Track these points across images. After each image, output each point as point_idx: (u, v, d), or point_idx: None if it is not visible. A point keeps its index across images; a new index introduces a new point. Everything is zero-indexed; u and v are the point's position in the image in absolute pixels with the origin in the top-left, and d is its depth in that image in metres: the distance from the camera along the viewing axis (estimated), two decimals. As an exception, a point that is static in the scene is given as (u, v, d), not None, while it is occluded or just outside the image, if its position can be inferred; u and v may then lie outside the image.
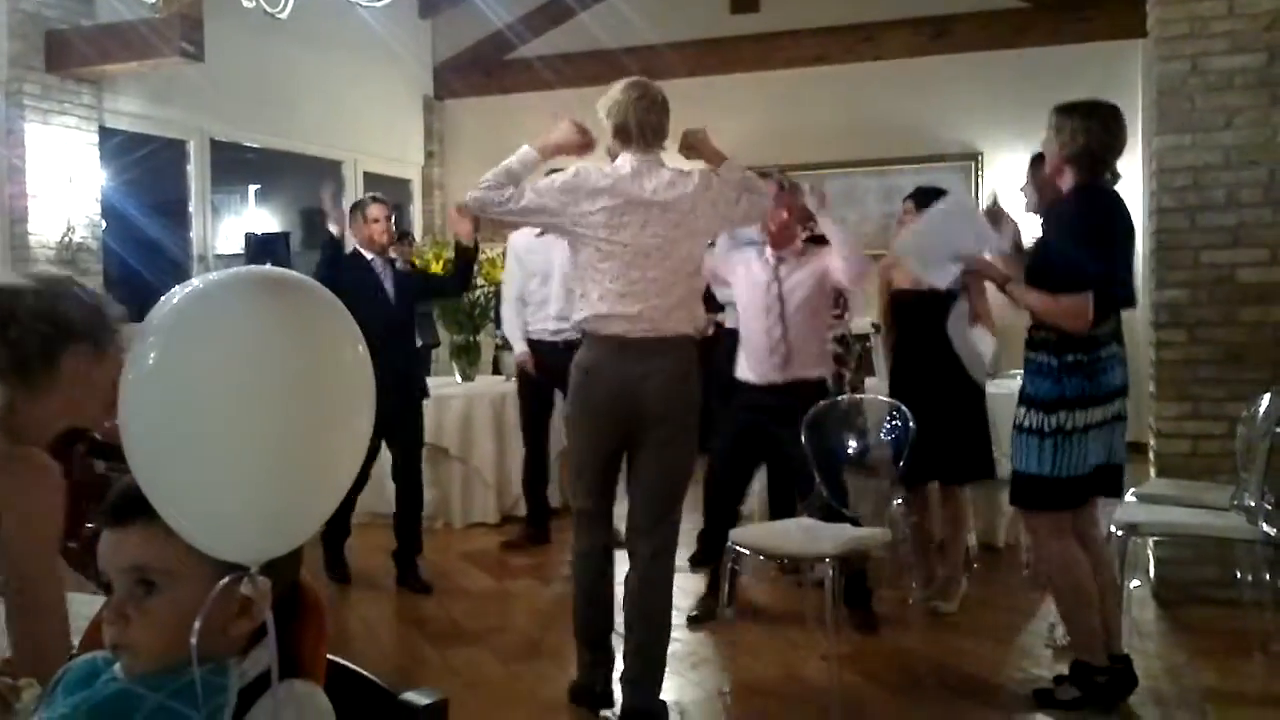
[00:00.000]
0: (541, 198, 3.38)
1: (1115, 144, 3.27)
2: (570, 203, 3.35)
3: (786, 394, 4.19)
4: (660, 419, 3.35)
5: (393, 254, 5.11)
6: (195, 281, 1.15)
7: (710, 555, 4.51)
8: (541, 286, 5.48)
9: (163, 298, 1.15)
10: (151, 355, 1.09)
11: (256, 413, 1.08)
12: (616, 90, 3.49)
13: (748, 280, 4.37)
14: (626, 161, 3.41)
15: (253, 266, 1.20)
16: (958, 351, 4.14)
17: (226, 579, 1.12)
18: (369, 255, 4.98)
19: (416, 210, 9.97)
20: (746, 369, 4.38)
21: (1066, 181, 3.29)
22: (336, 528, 4.94)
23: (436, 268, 6.00)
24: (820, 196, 4.27)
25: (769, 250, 4.34)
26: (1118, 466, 3.37)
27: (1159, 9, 4.50)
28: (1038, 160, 3.88)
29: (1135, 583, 4.24)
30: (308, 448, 1.11)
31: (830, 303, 4.55)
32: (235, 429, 1.07)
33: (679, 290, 3.39)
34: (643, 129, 3.43)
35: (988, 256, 3.49)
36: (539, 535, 5.67)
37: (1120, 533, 3.73)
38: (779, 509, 4.81)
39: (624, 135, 3.45)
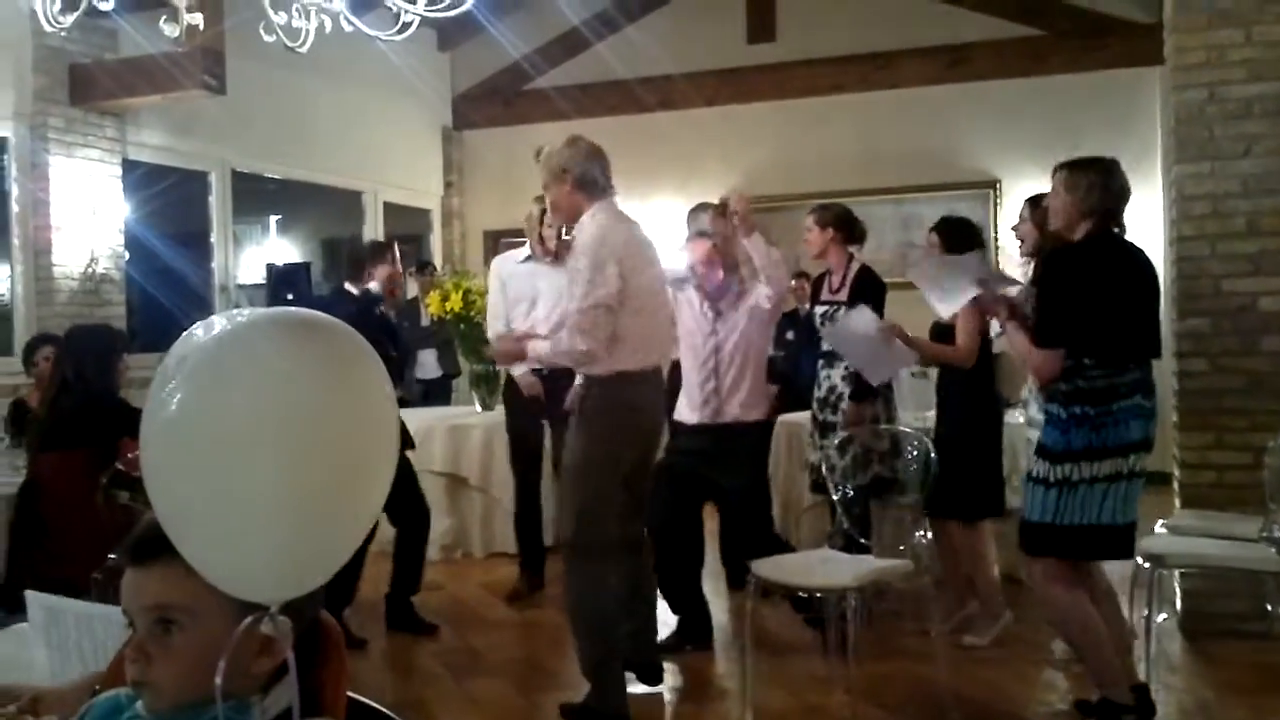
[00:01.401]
0: (625, 283, 3.45)
1: (1126, 196, 3.34)
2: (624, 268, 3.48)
3: (720, 436, 4.26)
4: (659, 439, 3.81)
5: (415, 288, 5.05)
6: (220, 320, 1.15)
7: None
8: (527, 314, 5.20)
9: (184, 335, 1.15)
10: (177, 396, 1.10)
11: (280, 455, 1.08)
12: (567, 146, 3.58)
13: (688, 324, 4.40)
14: (609, 214, 3.54)
15: (279, 309, 1.20)
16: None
17: (248, 620, 1.12)
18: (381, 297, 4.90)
19: (436, 240, 10.03)
20: (685, 409, 4.42)
21: (1080, 234, 3.31)
22: (340, 593, 4.47)
23: (456, 297, 5.99)
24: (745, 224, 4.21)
25: (706, 303, 4.35)
26: (1129, 526, 3.28)
27: (1176, 37, 4.50)
28: (1037, 200, 3.92)
29: (1162, 615, 4.18)
30: (332, 490, 1.11)
31: (769, 332, 4.60)
32: (259, 471, 1.07)
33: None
34: (606, 178, 3.59)
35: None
36: (535, 581, 5.34)
37: (1147, 565, 3.69)
38: (730, 553, 4.78)
39: (590, 187, 3.54)
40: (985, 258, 3.86)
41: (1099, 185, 3.27)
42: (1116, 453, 3.19)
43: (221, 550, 1.11)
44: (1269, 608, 3.96)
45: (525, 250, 5.22)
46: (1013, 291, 3.66)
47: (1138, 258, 3.31)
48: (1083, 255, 3.28)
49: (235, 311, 1.19)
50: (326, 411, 1.11)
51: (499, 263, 5.40)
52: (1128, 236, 3.40)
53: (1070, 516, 3.21)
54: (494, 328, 5.33)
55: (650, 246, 3.65)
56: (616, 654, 3.58)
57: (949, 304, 3.85)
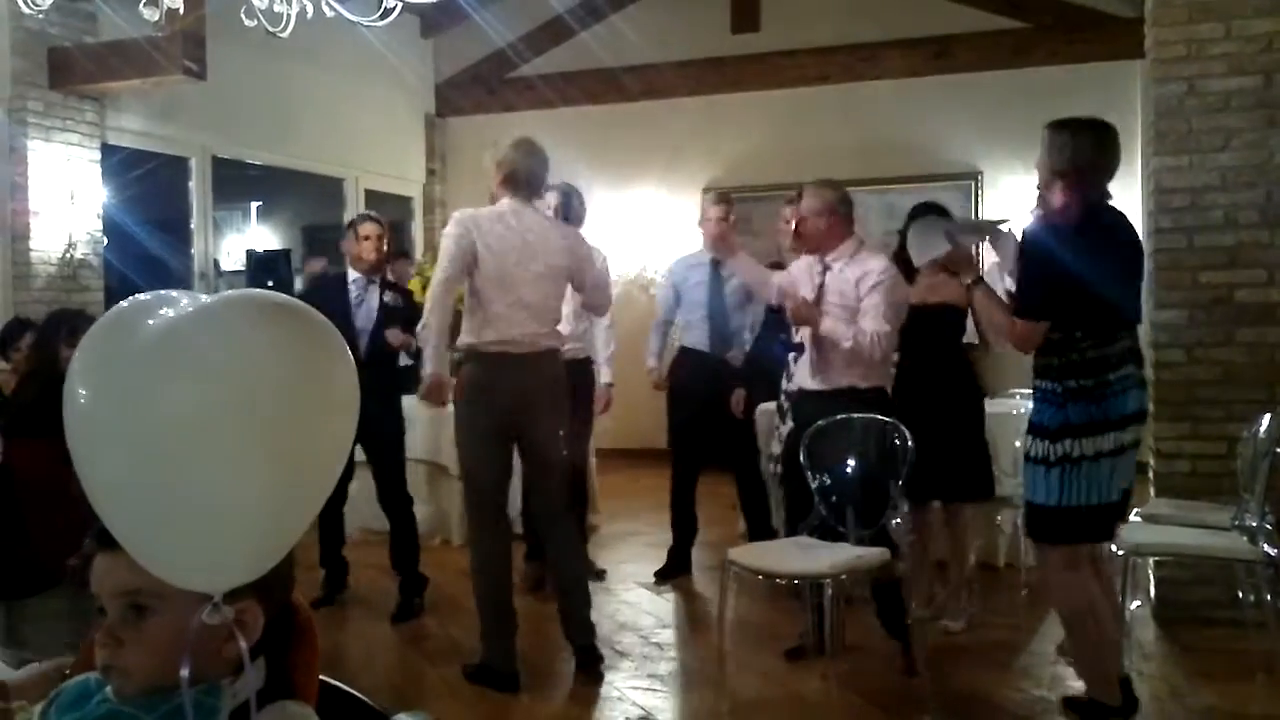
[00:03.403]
0: (483, 269, 3.89)
1: (1103, 161, 3.21)
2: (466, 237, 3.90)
3: (833, 402, 3.94)
4: (537, 420, 4.00)
5: (390, 276, 5.08)
6: (155, 307, 1.11)
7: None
8: None
9: (111, 321, 1.12)
10: (108, 388, 1.07)
11: (223, 445, 1.06)
12: (511, 145, 4.04)
13: (803, 287, 4.11)
14: (501, 209, 3.97)
15: (232, 291, 1.19)
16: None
17: (201, 612, 1.12)
18: (353, 275, 4.98)
19: (418, 227, 10.00)
20: (801, 375, 4.14)
21: (1056, 197, 3.22)
22: (333, 563, 4.90)
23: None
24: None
25: (816, 256, 4.09)
26: (1127, 494, 3.27)
27: (1157, 30, 4.52)
28: None
29: (1136, 603, 4.23)
30: (277, 482, 1.10)
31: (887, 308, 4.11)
32: (198, 462, 1.06)
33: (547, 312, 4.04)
34: (533, 180, 4.03)
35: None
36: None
37: (1122, 553, 3.71)
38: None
39: (512, 184, 3.99)
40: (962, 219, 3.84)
41: (1070, 145, 3.18)
42: (1117, 425, 3.12)
43: (158, 540, 1.10)
44: (1240, 595, 4.01)
45: None
46: (1002, 230, 3.63)
47: (1121, 224, 3.23)
48: (1067, 228, 3.19)
49: (164, 294, 1.15)
50: (270, 400, 1.08)
51: None
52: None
53: (1077, 496, 3.11)
54: None
55: (533, 243, 3.97)
56: (504, 612, 3.98)
57: (921, 254, 3.79)
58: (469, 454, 4.05)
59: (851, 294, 3.92)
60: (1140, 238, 3.36)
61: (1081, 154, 3.18)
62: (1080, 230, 3.18)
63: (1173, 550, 3.86)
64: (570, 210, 5.16)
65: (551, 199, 5.19)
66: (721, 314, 5.27)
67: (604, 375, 5.43)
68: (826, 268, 4.04)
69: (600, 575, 5.40)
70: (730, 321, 5.26)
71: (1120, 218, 3.26)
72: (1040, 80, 8.19)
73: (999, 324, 3.31)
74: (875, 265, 3.95)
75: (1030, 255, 3.23)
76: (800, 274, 4.19)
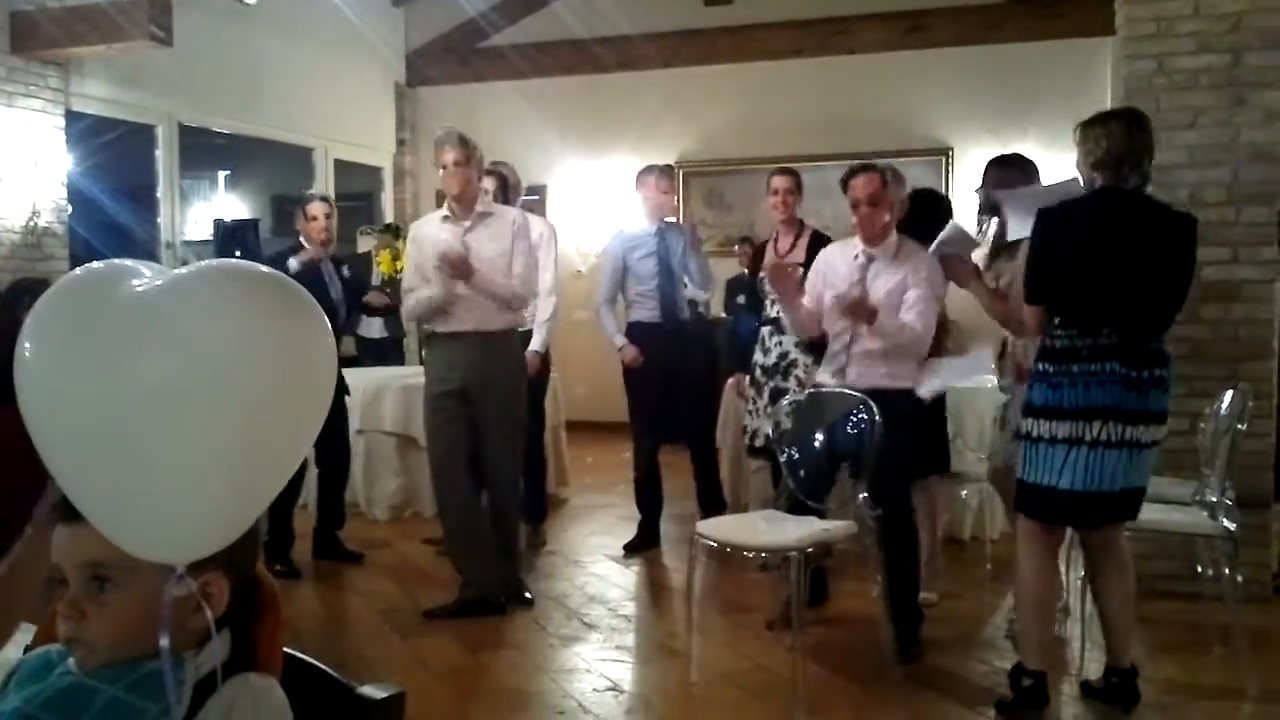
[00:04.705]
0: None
1: (1112, 147, 3.16)
2: None
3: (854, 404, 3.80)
4: None
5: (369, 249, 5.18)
6: (116, 276, 1.10)
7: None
8: None
9: (62, 291, 1.10)
10: (73, 356, 1.05)
11: (188, 417, 1.05)
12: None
13: (836, 276, 4.04)
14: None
15: (204, 261, 1.17)
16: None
17: (169, 585, 1.12)
18: (316, 253, 5.14)
19: (388, 198, 9.92)
20: (824, 370, 4.10)
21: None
22: (279, 534, 4.91)
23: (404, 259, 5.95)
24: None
25: (860, 246, 4.01)
26: (1099, 494, 3.17)
27: (1127, 8, 4.54)
28: (995, 163, 3.94)
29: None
30: (247, 452, 1.10)
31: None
32: (163, 432, 1.04)
33: None
34: None
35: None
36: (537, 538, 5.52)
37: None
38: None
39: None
40: (957, 228, 3.89)
41: (1079, 145, 3.25)
42: (1075, 415, 3.12)
43: (121, 511, 1.09)
44: (1200, 569, 4.07)
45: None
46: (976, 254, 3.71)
47: (1139, 220, 3.14)
48: (1056, 213, 3.19)
49: (120, 263, 1.13)
50: (242, 370, 1.06)
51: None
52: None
53: (1032, 473, 3.24)
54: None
55: None
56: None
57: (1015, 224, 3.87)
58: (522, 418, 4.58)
59: (897, 292, 3.87)
60: (1190, 241, 3.17)
61: (1083, 148, 3.23)
62: (1070, 221, 3.19)
63: (1134, 524, 3.90)
64: (507, 192, 5.12)
65: (489, 184, 5.11)
66: (672, 285, 5.30)
67: (535, 342, 5.25)
68: (871, 259, 3.96)
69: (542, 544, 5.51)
70: (677, 290, 5.34)
71: (1149, 215, 3.17)
72: (1012, 56, 8.21)
73: (997, 313, 3.43)
74: (915, 257, 3.91)
75: (1030, 243, 3.29)
76: (835, 264, 4.06)
